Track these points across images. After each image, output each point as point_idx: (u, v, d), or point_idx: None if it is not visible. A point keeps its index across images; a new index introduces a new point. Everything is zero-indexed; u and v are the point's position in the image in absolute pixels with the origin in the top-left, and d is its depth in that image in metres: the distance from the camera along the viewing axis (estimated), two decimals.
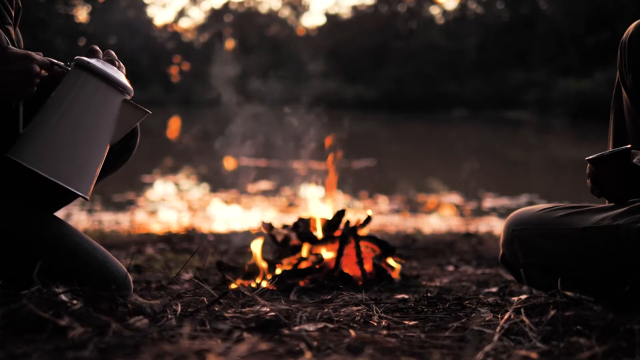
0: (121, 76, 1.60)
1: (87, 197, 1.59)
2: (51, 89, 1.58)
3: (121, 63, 1.64)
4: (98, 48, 1.64)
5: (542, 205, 1.78)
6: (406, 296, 2.11)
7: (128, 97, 1.60)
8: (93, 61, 1.57)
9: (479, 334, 1.33)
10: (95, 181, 1.61)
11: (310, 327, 1.32)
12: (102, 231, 4.57)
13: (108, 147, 1.62)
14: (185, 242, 3.86)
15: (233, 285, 2.32)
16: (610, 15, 25.87)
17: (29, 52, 1.51)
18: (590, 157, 1.58)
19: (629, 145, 1.57)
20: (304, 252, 2.54)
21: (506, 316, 1.43)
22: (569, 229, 1.63)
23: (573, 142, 16.35)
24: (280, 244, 2.59)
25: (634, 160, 1.55)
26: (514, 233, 1.76)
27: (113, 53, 1.65)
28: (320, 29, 38.99)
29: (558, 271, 1.58)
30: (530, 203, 6.94)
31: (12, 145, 1.54)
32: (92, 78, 1.55)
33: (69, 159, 1.56)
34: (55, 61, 1.58)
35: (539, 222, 1.72)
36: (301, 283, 2.41)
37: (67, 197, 1.86)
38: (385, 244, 2.63)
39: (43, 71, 1.56)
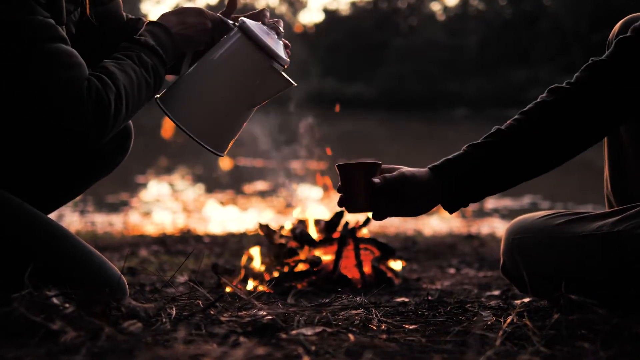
0: (278, 45, 1.66)
1: (222, 154, 1.67)
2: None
3: (282, 30, 1.70)
4: (267, 13, 1.73)
5: (542, 212, 1.78)
6: (406, 299, 2.11)
7: (279, 67, 1.65)
8: (253, 25, 1.64)
9: (481, 338, 1.33)
10: (232, 142, 1.69)
11: (308, 331, 1.32)
12: (95, 233, 4.57)
13: (252, 111, 1.69)
14: (180, 244, 3.85)
15: (229, 289, 2.32)
16: (616, 12, 25.81)
17: (202, 8, 1.67)
18: (339, 163, 1.61)
19: (380, 162, 1.60)
20: (302, 254, 2.54)
21: (509, 320, 1.43)
22: (569, 237, 1.63)
23: None
24: (277, 246, 2.59)
25: (374, 179, 1.57)
26: (514, 242, 1.76)
27: (282, 23, 1.72)
28: (318, 26, 39.01)
29: (560, 280, 1.58)
30: (534, 204, 6.95)
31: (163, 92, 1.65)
32: (246, 41, 1.62)
33: (205, 115, 1.64)
34: (225, 19, 1.70)
35: (538, 230, 1.72)
36: (299, 286, 2.41)
37: (63, 198, 1.86)
38: (385, 246, 2.63)
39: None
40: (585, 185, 8.67)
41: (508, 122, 1.63)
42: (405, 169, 1.61)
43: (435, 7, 39.60)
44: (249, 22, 1.65)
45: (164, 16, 1.67)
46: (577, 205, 6.96)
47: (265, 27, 1.67)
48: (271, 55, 1.62)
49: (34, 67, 1.41)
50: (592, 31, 28.05)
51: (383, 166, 1.62)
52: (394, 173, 1.59)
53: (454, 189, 1.59)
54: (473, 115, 26.09)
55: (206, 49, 1.69)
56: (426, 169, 1.61)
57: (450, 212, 1.64)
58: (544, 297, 1.75)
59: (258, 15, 1.72)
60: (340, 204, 1.63)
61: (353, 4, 39.96)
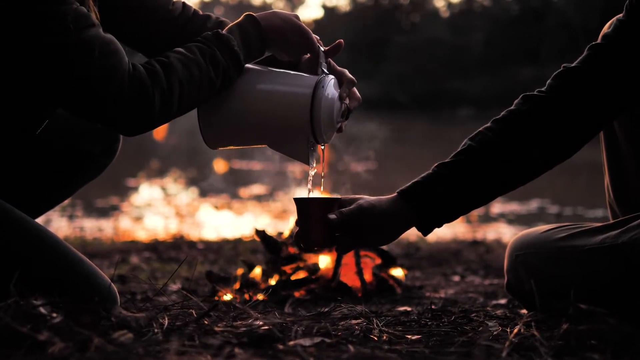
0: (330, 125, 1.63)
1: (208, 146, 1.69)
2: (293, 67, 1.71)
3: (350, 113, 1.69)
4: (352, 86, 1.70)
5: (545, 227, 1.78)
6: (409, 308, 2.11)
7: (312, 142, 1.64)
8: (327, 94, 1.61)
9: (486, 349, 1.33)
10: (225, 147, 1.73)
11: (307, 342, 1.32)
12: (84, 239, 4.57)
13: (263, 145, 1.71)
14: (172, 250, 3.85)
15: (224, 297, 2.32)
16: None
17: (312, 34, 1.66)
18: (295, 197, 1.63)
19: (340, 197, 1.61)
20: (300, 261, 2.54)
21: (516, 330, 1.43)
22: (572, 252, 1.63)
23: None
24: (274, 252, 2.59)
25: (330, 215, 1.57)
26: (518, 258, 1.76)
27: (356, 102, 1.71)
28: (317, 22, 39.06)
29: (567, 297, 1.58)
30: (541, 208, 6.95)
31: None
32: (307, 100, 1.59)
33: (224, 115, 1.64)
34: (322, 59, 1.67)
35: (541, 245, 1.72)
36: (296, 294, 2.41)
37: (48, 201, 1.86)
38: (386, 253, 2.63)
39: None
40: (595, 188, 8.68)
41: (480, 131, 1.62)
42: (364, 200, 1.60)
43: (439, 3, 39.73)
44: (329, 87, 1.62)
45: (270, 15, 1.66)
46: (586, 210, 6.96)
47: (338, 102, 1.65)
48: (314, 130, 1.61)
49: (72, 58, 1.42)
50: (601, 28, 28.05)
51: (343, 197, 1.63)
52: (352, 206, 1.59)
53: (427, 212, 1.59)
54: (478, 114, 26.08)
55: (285, 63, 1.71)
56: (392, 195, 1.61)
57: (425, 235, 1.64)
58: (552, 314, 1.75)
59: (342, 80, 1.69)
60: (296, 238, 1.63)
61: (353, 0, 40.03)
